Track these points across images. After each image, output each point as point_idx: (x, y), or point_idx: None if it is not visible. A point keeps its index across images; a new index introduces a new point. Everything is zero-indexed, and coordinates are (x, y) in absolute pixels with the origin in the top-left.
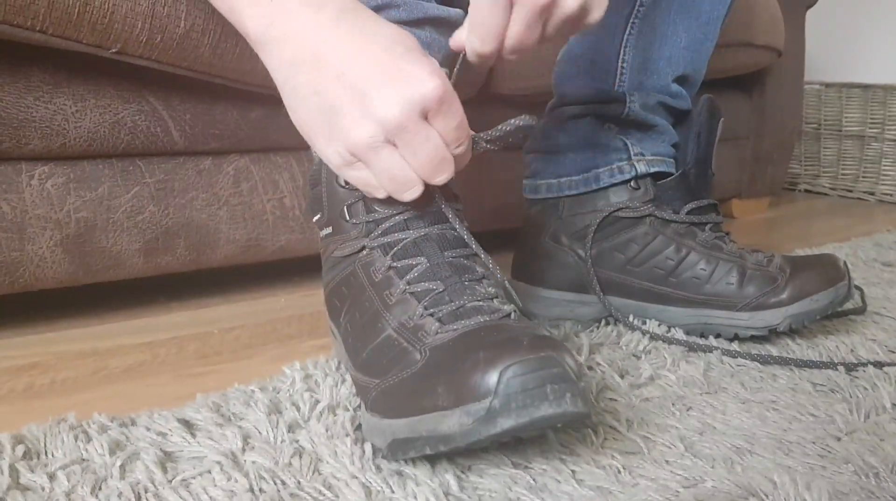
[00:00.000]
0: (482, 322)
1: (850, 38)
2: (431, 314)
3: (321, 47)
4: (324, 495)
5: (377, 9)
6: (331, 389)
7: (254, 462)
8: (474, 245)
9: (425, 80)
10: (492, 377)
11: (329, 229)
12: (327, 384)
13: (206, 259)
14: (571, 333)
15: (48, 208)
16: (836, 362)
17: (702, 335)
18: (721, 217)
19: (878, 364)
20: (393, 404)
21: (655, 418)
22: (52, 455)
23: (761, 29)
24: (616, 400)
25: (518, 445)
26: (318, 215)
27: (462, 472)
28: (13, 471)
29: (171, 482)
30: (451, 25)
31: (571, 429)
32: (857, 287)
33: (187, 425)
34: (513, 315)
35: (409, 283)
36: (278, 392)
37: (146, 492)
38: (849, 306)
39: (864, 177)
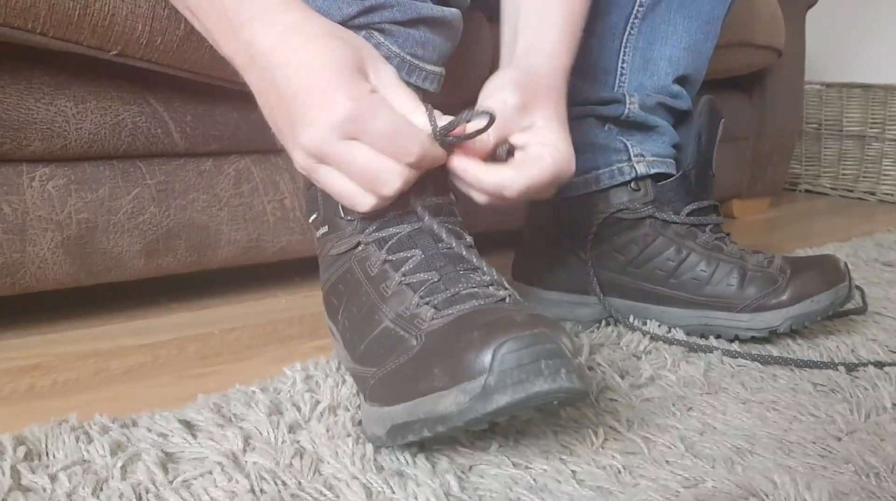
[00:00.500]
0: (477, 306)
1: (851, 37)
2: (427, 303)
3: (269, 72)
4: (325, 495)
5: (370, 9)
6: (331, 390)
7: (255, 463)
8: (467, 237)
9: (338, 104)
10: (486, 355)
11: (325, 229)
12: (328, 384)
13: (206, 260)
14: (572, 334)
15: (49, 209)
16: (836, 362)
17: (702, 336)
18: (721, 218)
19: (879, 364)
20: (391, 391)
21: (656, 418)
22: (54, 456)
23: (761, 29)
24: (616, 401)
25: (518, 445)
26: (315, 215)
27: (463, 473)
28: (14, 472)
29: (172, 483)
30: (447, 25)
31: (572, 430)
32: (858, 287)
33: (188, 426)
34: (508, 299)
35: (404, 275)
36: (279, 393)
37: (147, 493)
38: (849, 306)
39: (864, 177)
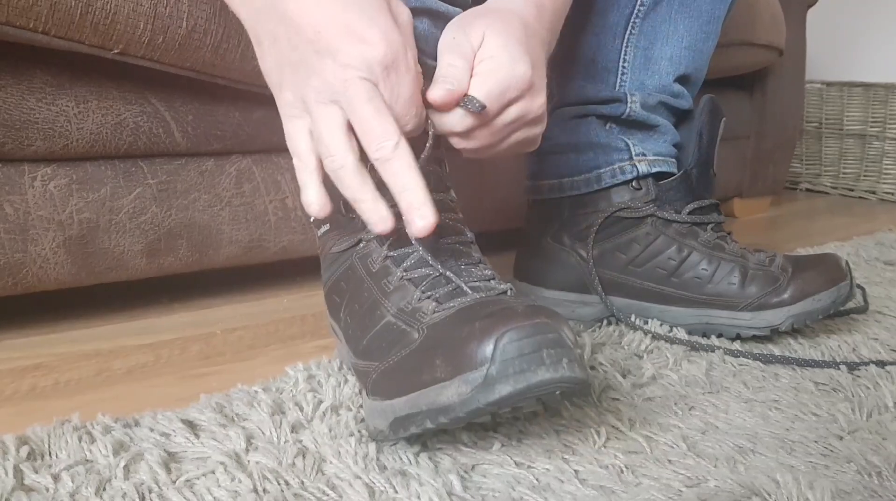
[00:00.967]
0: (478, 298)
1: (852, 36)
2: (429, 297)
3: (282, 4)
4: (327, 495)
5: None
6: (334, 389)
7: (257, 463)
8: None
9: (374, 43)
10: (488, 345)
11: (326, 226)
12: (330, 384)
13: (208, 260)
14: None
15: (51, 209)
16: (838, 361)
17: (704, 335)
18: (723, 217)
19: (881, 363)
20: (393, 383)
21: (658, 417)
22: (57, 456)
23: (762, 28)
24: (618, 400)
25: (521, 445)
26: None
27: (465, 472)
28: (17, 472)
29: (174, 482)
30: (448, 20)
31: (574, 429)
32: (859, 286)
33: (191, 425)
34: (509, 292)
35: (406, 270)
36: (281, 393)
37: (150, 493)
38: (851, 305)
39: (865, 176)
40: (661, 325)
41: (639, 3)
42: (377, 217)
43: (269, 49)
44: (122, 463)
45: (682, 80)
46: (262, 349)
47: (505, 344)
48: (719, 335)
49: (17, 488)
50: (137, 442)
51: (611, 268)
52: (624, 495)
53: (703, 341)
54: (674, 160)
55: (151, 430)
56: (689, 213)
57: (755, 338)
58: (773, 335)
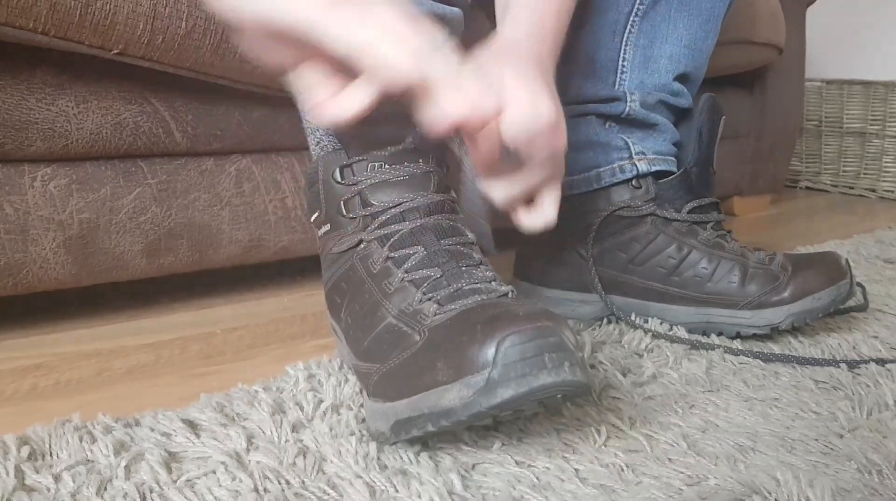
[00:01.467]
0: (479, 300)
1: (851, 34)
2: (430, 299)
3: None
4: (328, 494)
5: None
6: (334, 388)
7: (258, 462)
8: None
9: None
10: (490, 349)
11: (327, 227)
12: (330, 383)
13: (208, 260)
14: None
15: (51, 209)
16: (838, 359)
17: (704, 334)
18: (722, 215)
19: (881, 361)
20: (394, 386)
21: (658, 416)
22: (57, 456)
23: (762, 26)
24: (619, 399)
25: (521, 444)
26: (316, 214)
27: (466, 471)
28: (18, 472)
29: (175, 482)
30: (448, 23)
31: (574, 428)
32: (859, 284)
33: (191, 425)
34: (510, 294)
35: (406, 271)
36: (282, 392)
37: (151, 493)
38: (851, 303)
39: (865, 174)
40: (661, 323)
41: (638, 1)
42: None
43: None
44: (123, 463)
45: (682, 78)
46: (263, 349)
47: (507, 348)
48: (719, 334)
49: (18, 488)
50: (138, 442)
51: (611, 267)
52: (624, 493)
53: (704, 339)
54: (673, 159)
55: (152, 430)
56: (689, 211)
57: (755, 336)
58: (774, 333)
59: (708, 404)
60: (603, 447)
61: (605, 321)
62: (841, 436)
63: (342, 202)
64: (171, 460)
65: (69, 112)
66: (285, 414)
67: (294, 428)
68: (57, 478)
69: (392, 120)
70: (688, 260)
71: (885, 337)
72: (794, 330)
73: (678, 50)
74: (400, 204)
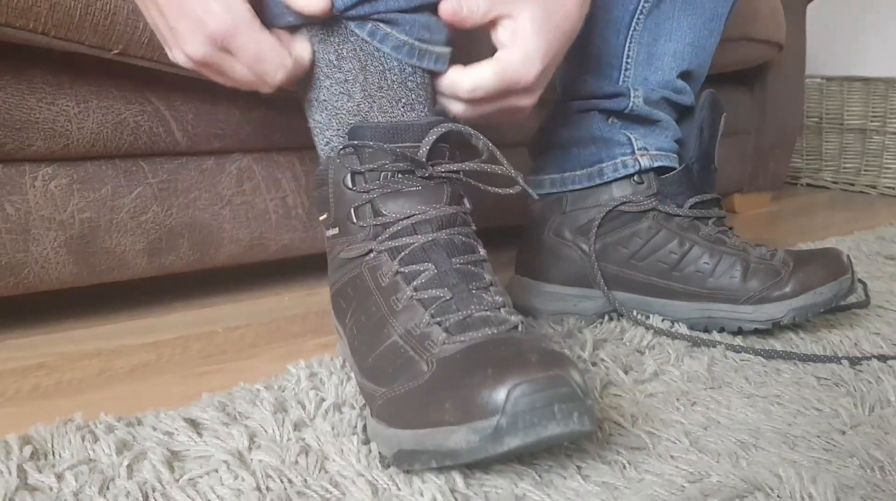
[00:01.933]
0: (490, 335)
1: (851, 31)
2: (438, 323)
3: None
4: (330, 493)
5: None
6: (336, 387)
7: (260, 461)
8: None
9: (213, 16)
10: (500, 395)
11: (335, 230)
12: (332, 382)
13: (209, 259)
14: (575, 328)
15: (52, 209)
16: (840, 356)
17: (706, 330)
18: (724, 212)
19: (882, 358)
20: (399, 414)
21: (660, 413)
22: (60, 456)
23: (762, 23)
24: (620, 396)
25: None
26: (325, 216)
27: (468, 468)
28: (21, 472)
29: (178, 481)
30: None
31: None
32: (861, 281)
33: (193, 424)
34: (520, 327)
35: (416, 289)
36: (284, 391)
37: (154, 491)
38: (852, 299)
39: (865, 170)
40: (662, 320)
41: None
42: None
43: (146, 16)
44: (126, 462)
45: (685, 76)
46: (264, 348)
47: (517, 397)
48: (721, 330)
49: (20, 487)
50: (140, 441)
51: (612, 262)
52: (626, 491)
53: (705, 336)
54: (675, 155)
55: (154, 429)
56: (691, 207)
57: (757, 333)
58: (775, 329)
59: (710, 401)
60: (605, 444)
61: (606, 317)
62: (843, 433)
63: (352, 209)
64: (173, 459)
65: (70, 112)
66: (287, 413)
67: (296, 427)
68: (59, 478)
69: (408, 130)
70: (689, 255)
71: (887, 334)
72: (796, 327)
73: (682, 48)
74: (412, 216)
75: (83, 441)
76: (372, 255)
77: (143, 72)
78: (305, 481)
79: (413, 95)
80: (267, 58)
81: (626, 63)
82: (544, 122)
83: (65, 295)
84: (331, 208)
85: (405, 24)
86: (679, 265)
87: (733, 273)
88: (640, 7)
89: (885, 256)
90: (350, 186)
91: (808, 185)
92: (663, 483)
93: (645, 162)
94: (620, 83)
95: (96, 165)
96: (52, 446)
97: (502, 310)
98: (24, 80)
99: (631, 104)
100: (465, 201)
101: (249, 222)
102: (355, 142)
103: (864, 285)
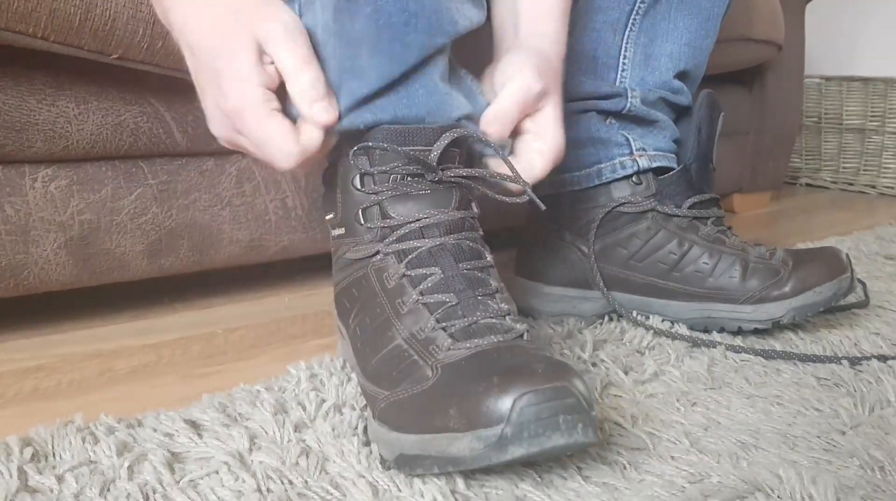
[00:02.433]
0: (495, 343)
1: (850, 31)
2: (444, 329)
3: (188, 37)
4: (331, 494)
5: None
6: (336, 388)
7: (261, 462)
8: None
9: (226, 97)
10: (505, 404)
11: (342, 230)
12: (333, 383)
13: (209, 260)
14: (575, 329)
15: (52, 210)
16: (839, 356)
17: (705, 330)
18: (723, 212)
19: (882, 358)
20: (402, 417)
21: (660, 414)
22: (60, 457)
23: (761, 23)
24: (620, 397)
25: None
26: (331, 215)
27: (469, 470)
28: (21, 473)
29: (178, 482)
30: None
31: None
32: (860, 281)
33: (194, 425)
34: (525, 335)
35: (421, 293)
36: (284, 392)
37: (154, 493)
38: (851, 299)
39: (865, 170)
40: (662, 320)
41: (639, 0)
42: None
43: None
44: (126, 464)
45: (682, 76)
46: (264, 349)
47: (523, 407)
48: (721, 330)
49: (21, 489)
50: (141, 443)
51: (612, 263)
52: (627, 491)
53: (705, 336)
54: (674, 156)
55: (154, 430)
56: (690, 207)
57: (756, 333)
58: (775, 329)
59: (710, 401)
60: (605, 445)
61: (606, 317)
62: (843, 433)
63: (360, 211)
64: (173, 460)
65: (69, 113)
66: (287, 414)
67: (296, 428)
68: (60, 479)
69: (420, 133)
70: (689, 256)
71: (887, 334)
72: (796, 327)
73: (678, 48)
74: (420, 219)
75: (83, 443)
76: (378, 257)
77: (142, 74)
78: (306, 482)
79: None
80: (271, 144)
81: (623, 64)
82: None
83: (65, 297)
84: (338, 207)
85: None
86: (678, 266)
87: (733, 273)
88: (636, 8)
89: (884, 256)
90: (359, 187)
91: (808, 185)
92: (664, 484)
93: (643, 162)
94: (618, 84)
95: (96, 167)
96: (53, 447)
97: (508, 318)
98: (24, 81)
99: (628, 105)
100: (474, 205)
101: (249, 223)
102: (368, 143)
103: (864, 284)
